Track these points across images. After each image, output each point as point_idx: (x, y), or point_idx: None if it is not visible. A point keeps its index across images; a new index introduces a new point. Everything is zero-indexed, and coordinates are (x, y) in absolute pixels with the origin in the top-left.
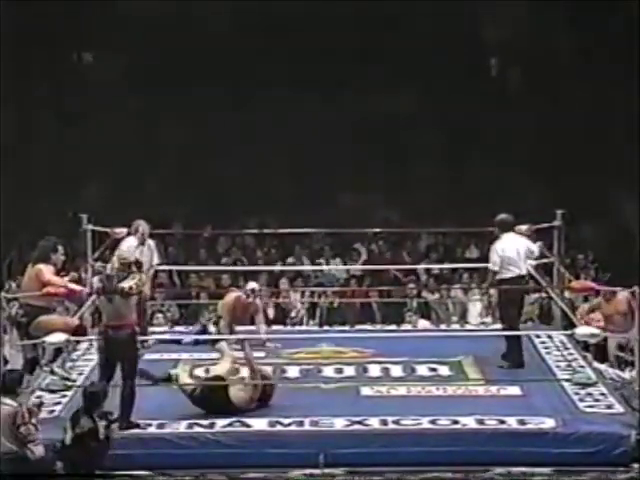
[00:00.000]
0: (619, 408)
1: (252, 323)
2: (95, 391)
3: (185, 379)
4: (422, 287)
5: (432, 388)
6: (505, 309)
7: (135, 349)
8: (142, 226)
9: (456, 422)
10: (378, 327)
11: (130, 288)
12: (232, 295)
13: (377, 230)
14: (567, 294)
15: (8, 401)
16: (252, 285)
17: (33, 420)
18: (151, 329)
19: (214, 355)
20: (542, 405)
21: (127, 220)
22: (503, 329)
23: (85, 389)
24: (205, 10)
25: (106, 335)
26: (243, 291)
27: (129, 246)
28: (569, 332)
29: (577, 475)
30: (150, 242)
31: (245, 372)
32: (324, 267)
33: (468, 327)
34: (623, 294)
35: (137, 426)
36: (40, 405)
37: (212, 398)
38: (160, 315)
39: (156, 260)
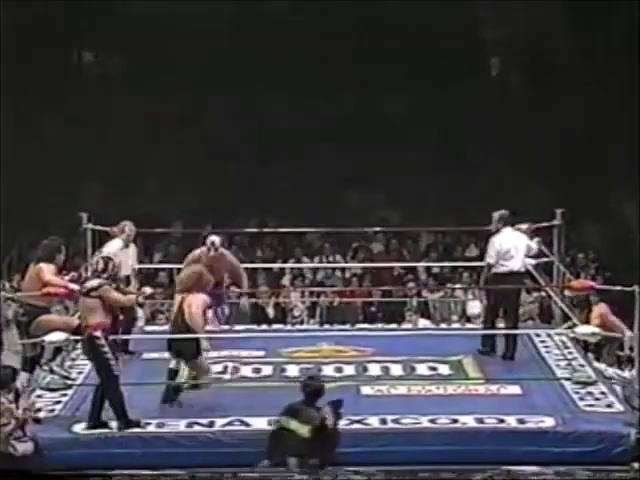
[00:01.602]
0: (619, 407)
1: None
2: (318, 386)
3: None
4: (422, 286)
5: (432, 387)
6: (499, 304)
7: (97, 352)
8: (128, 227)
9: (456, 421)
10: (379, 326)
11: (90, 289)
12: (196, 251)
13: (377, 229)
14: (567, 293)
15: None
16: (212, 238)
17: (17, 416)
18: (151, 328)
19: (214, 354)
20: (542, 404)
21: (127, 220)
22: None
23: (306, 385)
24: (205, 10)
25: (82, 338)
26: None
27: (114, 248)
28: (569, 331)
29: (577, 474)
30: (132, 245)
31: None
32: (324, 265)
33: (468, 326)
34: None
35: (137, 424)
36: (34, 406)
37: None
38: (162, 315)
39: (135, 265)
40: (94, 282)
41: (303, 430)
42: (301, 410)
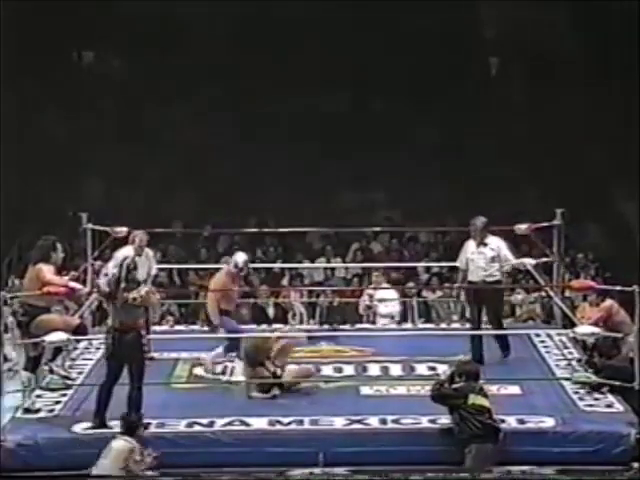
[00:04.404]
0: (619, 407)
1: None
2: (473, 369)
3: None
4: (423, 286)
5: None
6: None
7: (141, 351)
8: (139, 236)
9: None
10: (379, 326)
11: (134, 299)
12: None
13: (377, 229)
14: (567, 293)
15: (127, 438)
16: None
17: (146, 461)
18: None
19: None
20: (542, 404)
21: (127, 219)
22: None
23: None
24: (206, 10)
25: (113, 338)
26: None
27: (125, 255)
28: (569, 331)
29: (577, 474)
30: (148, 251)
31: None
32: (324, 265)
33: (468, 326)
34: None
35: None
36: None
37: None
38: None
39: (154, 270)
40: (142, 291)
41: (487, 403)
42: (474, 387)
